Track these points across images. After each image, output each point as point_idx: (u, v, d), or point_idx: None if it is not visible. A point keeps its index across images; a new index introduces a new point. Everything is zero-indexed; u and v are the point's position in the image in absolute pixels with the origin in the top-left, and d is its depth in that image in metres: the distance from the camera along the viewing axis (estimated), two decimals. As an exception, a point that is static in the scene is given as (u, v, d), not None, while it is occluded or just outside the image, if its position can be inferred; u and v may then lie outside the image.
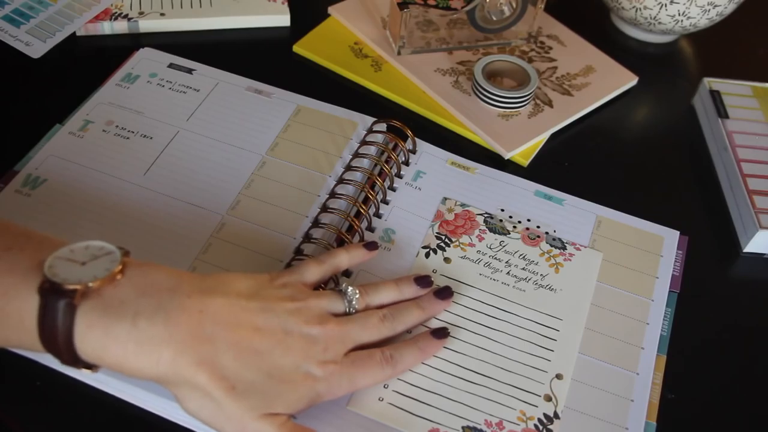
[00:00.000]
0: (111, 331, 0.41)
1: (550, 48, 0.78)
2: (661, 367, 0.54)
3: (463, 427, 0.49)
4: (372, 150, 0.64)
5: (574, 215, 0.62)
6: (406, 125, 0.64)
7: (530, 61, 0.76)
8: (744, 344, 0.57)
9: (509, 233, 0.60)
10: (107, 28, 0.74)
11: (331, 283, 0.54)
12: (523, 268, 0.58)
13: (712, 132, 0.71)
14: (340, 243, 0.57)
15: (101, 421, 0.49)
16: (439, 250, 0.59)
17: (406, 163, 0.64)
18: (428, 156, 0.66)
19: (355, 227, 0.58)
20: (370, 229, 0.59)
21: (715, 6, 0.74)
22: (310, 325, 0.47)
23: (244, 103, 0.68)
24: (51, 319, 0.41)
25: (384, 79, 0.73)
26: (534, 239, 0.60)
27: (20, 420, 0.48)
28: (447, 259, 0.58)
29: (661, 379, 0.53)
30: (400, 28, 0.72)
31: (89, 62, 0.72)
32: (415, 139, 0.65)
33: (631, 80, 0.75)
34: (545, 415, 0.50)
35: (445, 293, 0.54)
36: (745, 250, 0.63)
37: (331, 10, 0.79)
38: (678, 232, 0.62)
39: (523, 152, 0.68)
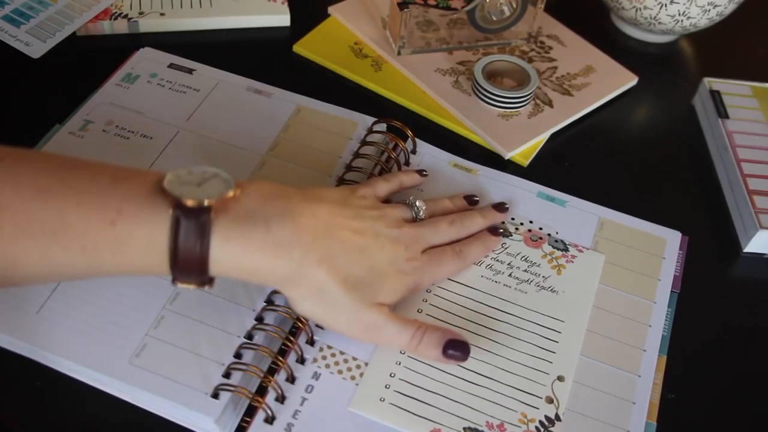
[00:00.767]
0: (249, 239, 0.45)
1: (550, 48, 0.78)
2: (661, 368, 0.54)
3: (464, 428, 0.49)
4: (372, 150, 0.64)
5: (577, 217, 0.62)
6: (406, 125, 0.64)
7: (530, 61, 0.76)
8: (744, 344, 0.57)
9: (511, 235, 0.60)
10: (107, 28, 0.74)
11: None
12: (525, 270, 0.58)
13: (712, 132, 0.71)
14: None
15: (101, 421, 0.49)
16: (439, 251, 0.59)
17: (407, 164, 0.64)
18: (430, 158, 0.65)
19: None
20: (371, 229, 0.59)
21: (715, 6, 0.74)
22: (391, 228, 0.53)
23: (244, 103, 0.67)
24: (186, 236, 0.43)
25: (384, 79, 0.73)
26: (536, 241, 0.60)
27: (20, 420, 0.48)
28: (448, 260, 0.58)
29: (661, 379, 0.53)
30: (400, 28, 0.72)
31: (89, 62, 0.72)
32: (417, 140, 0.65)
33: (631, 80, 0.75)
34: (546, 417, 0.50)
35: (502, 207, 0.61)
36: (745, 250, 0.63)
37: (331, 10, 0.79)
38: (680, 234, 0.62)
39: (524, 152, 0.68)
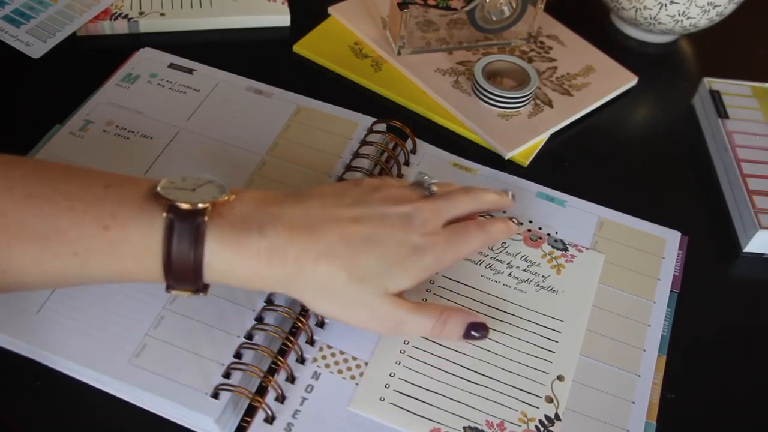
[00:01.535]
0: (244, 244, 0.44)
1: (550, 48, 0.78)
2: (660, 367, 0.54)
3: (464, 428, 0.49)
4: (372, 150, 0.64)
5: (576, 217, 0.62)
6: (406, 125, 0.64)
7: (530, 61, 0.76)
8: (744, 344, 0.57)
9: (510, 234, 0.60)
10: (107, 28, 0.74)
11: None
12: (525, 270, 0.58)
13: (712, 132, 0.71)
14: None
15: (101, 421, 0.49)
16: (439, 251, 0.59)
17: (407, 164, 0.64)
18: (430, 157, 0.65)
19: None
20: (371, 229, 0.59)
21: (715, 6, 0.74)
22: (401, 205, 0.50)
23: (244, 103, 0.67)
24: (180, 239, 0.43)
25: (384, 79, 0.73)
26: (536, 241, 0.60)
27: (20, 420, 0.48)
28: (448, 260, 0.58)
29: (660, 379, 0.53)
30: (400, 28, 0.72)
31: (89, 62, 0.72)
32: (417, 140, 0.65)
33: (631, 80, 0.76)
34: (546, 416, 0.50)
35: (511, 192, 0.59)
36: (745, 250, 0.63)
37: (331, 10, 0.79)
38: (679, 234, 0.62)
39: (523, 152, 0.68)
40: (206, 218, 0.43)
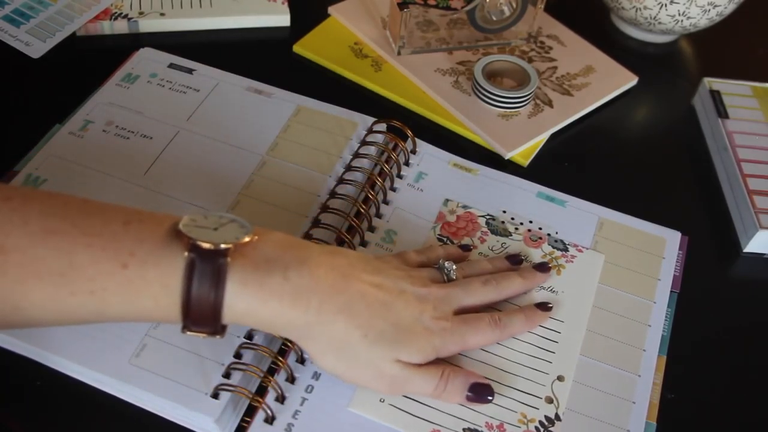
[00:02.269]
0: (266, 286, 0.43)
1: (550, 48, 0.78)
2: (661, 368, 0.54)
3: (464, 429, 0.49)
4: (372, 150, 0.64)
5: (576, 217, 0.62)
6: (406, 125, 0.64)
7: (530, 61, 0.76)
8: (744, 344, 0.57)
9: (511, 235, 0.60)
10: (107, 28, 0.74)
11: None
12: (524, 269, 0.58)
13: (712, 132, 0.71)
14: (341, 243, 0.57)
15: (101, 421, 0.49)
16: (439, 251, 0.59)
17: (407, 164, 0.64)
18: (430, 157, 0.65)
19: (356, 227, 0.58)
20: (371, 229, 0.59)
21: (715, 6, 0.74)
22: (417, 286, 0.50)
23: (244, 103, 0.67)
24: (201, 279, 0.42)
25: (384, 79, 0.73)
26: (536, 241, 0.60)
27: (20, 420, 0.48)
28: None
29: (661, 379, 0.53)
30: (400, 28, 0.72)
31: (89, 62, 0.72)
32: (416, 139, 0.65)
33: (631, 80, 0.75)
34: (546, 417, 0.50)
35: (543, 267, 0.57)
36: (745, 250, 0.63)
37: (331, 10, 0.79)
38: (679, 234, 0.62)
39: (523, 152, 0.68)
40: (228, 259, 0.42)
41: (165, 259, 0.42)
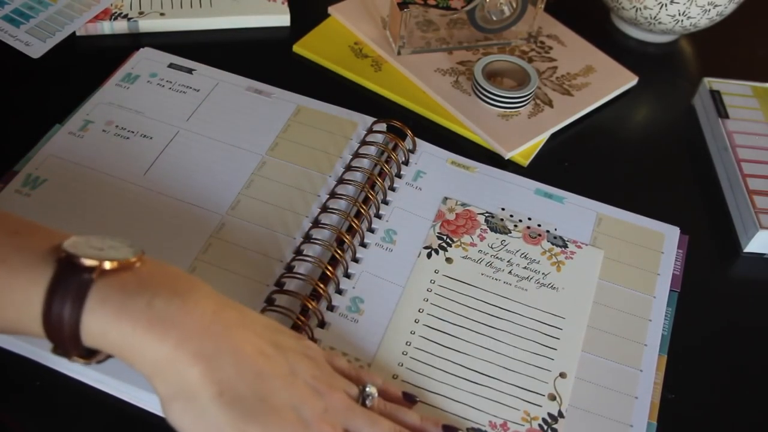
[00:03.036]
0: (126, 307, 0.39)
1: (550, 48, 0.78)
2: (661, 367, 0.54)
3: (467, 429, 0.49)
4: (372, 150, 0.64)
5: (575, 213, 0.62)
6: (406, 125, 0.64)
7: (530, 61, 0.76)
8: (744, 344, 0.57)
9: (510, 232, 0.60)
10: (107, 28, 0.74)
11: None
12: (525, 267, 0.58)
13: (712, 132, 0.71)
14: (340, 243, 0.57)
15: (101, 421, 0.49)
16: (440, 251, 0.58)
17: (406, 163, 0.64)
18: (428, 156, 0.65)
19: (356, 227, 0.58)
20: (371, 229, 0.59)
21: (715, 6, 0.74)
22: (318, 382, 0.44)
23: (244, 103, 0.67)
24: (62, 292, 0.39)
25: (384, 79, 0.73)
26: (535, 238, 0.60)
27: (20, 420, 0.48)
28: (449, 260, 0.58)
29: (661, 379, 0.53)
30: (400, 28, 0.72)
31: (89, 62, 0.72)
32: (415, 138, 0.65)
33: (631, 80, 0.76)
34: (550, 414, 0.50)
35: None
36: (745, 250, 0.63)
37: (331, 10, 0.79)
38: (678, 229, 0.62)
39: (523, 152, 0.68)
40: (94, 275, 0.39)
41: (34, 269, 0.40)
